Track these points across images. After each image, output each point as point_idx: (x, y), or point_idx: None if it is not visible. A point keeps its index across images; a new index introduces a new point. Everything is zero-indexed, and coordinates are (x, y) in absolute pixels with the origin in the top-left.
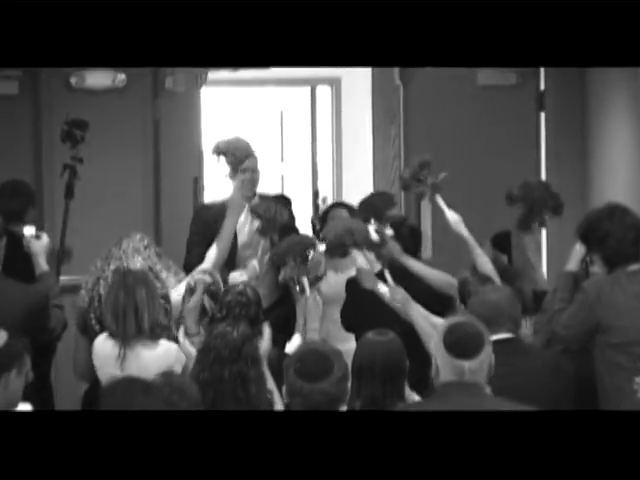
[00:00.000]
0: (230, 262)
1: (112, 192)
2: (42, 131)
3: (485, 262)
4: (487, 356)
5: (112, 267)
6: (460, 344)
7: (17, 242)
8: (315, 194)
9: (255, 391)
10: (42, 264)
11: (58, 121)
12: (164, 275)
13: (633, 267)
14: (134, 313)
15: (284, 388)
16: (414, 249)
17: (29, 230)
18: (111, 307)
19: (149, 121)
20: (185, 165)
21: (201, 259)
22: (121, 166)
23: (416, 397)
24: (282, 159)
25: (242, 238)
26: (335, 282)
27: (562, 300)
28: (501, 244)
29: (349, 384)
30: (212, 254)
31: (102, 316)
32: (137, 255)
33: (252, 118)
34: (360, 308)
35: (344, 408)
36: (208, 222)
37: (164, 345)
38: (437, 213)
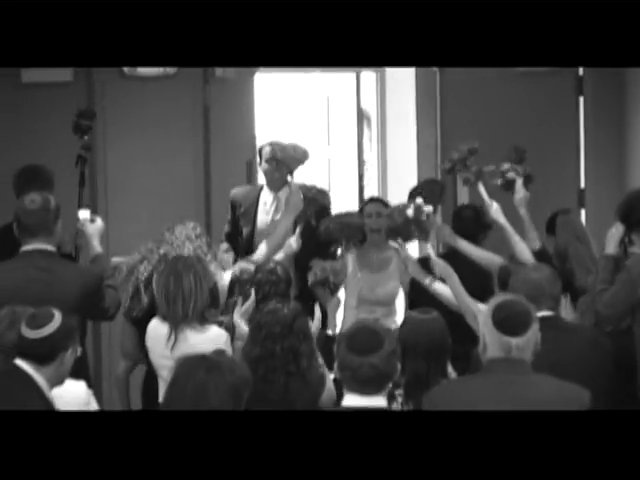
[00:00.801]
0: (248, 249)
1: (163, 178)
2: (96, 118)
3: (523, 249)
4: (534, 334)
5: (162, 251)
6: (508, 321)
7: None
8: (360, 177)
9: (306, 365)
10: (96, 246)
11: (111, 107)
12: (212, 266)
13: None
14: (182, 299)
15: (335, 363)
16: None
17: (84, 214)
18: (162, 292)
19: (199, 107)
20: (237, 149)
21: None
22: (172, 152)
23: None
24: (329, 143)
25: (261, 226)
26: (370, 281)
27: (603, 281)
28: (547, 226)
29: (398, 362)
30: (262, 248)
31: (139, 295)
32: (188, 243)
33: (300, 103)
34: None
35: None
36: (235, 207)
37: (214, 330)
38: (474, 200)
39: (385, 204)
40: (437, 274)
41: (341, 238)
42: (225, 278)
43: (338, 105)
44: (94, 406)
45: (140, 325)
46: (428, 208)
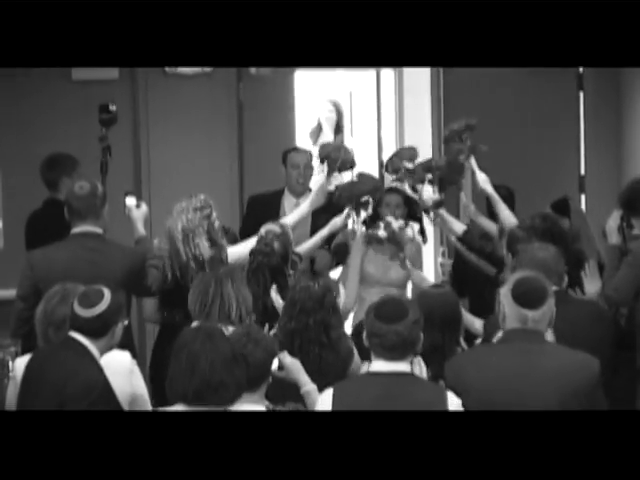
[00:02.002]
0: None
1: (199, 172)
2: (139, 113)
3: (508, 215)
4: (549, 308)
5: (167, 223)
6: (526, 296)
7: (57, 207)
8: (380, 165)
9: (336, 336)
10: (140, 229)
11: (154, 104)
12: (202, 239)
13: None
14: (219, 304)
15: (364, 331)
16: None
17: (130, 200)
18: (198, 295)
19: (234, 104)
20: (273, 146)
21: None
22: (209, 146)
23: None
24: (352, 134)
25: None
26: (376, 262)
27: (612, 268)
28: (561, 209)
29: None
30: (291, 216)
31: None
32: (182, 215)
33: (324, 98)
34: None
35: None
36: (257, 214)
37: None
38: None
39: (404, 194)
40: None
41: (350, 205)
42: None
43: (360, 100)
44: (137, 374)
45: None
46: (399, 223)
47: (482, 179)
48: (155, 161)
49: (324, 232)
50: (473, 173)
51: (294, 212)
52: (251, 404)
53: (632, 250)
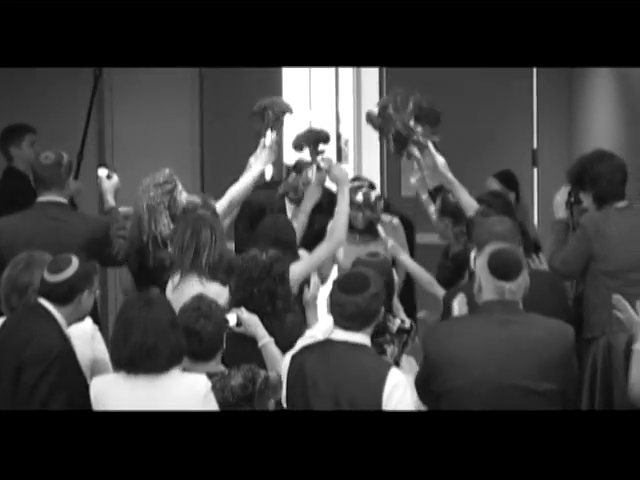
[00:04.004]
0: None
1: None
2: (104, 89)
3: (470, 202)
4: (524, 279)
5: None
6: (503, 268)
7: (13, 176)
8: (338, 137)
9: (282, 306)
10: (110, 200)
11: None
12: (164, 215)
13: (621, 204)
14: (195, 249)
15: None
16: None
17: (102, 171)
18: (178, 242)
19: (196, 74)
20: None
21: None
22: (172, 113)
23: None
24: (310, 107)
25: None
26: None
27: (559, 242)
28: (508, 181)
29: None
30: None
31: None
32: (145, 193)
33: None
34: None
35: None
36: (253, 216)
37: (215, 287)
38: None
39: (367, 181)
40: (388, 250)
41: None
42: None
43: (319, 75)
44: (99, 339)
45: (137, 262)
46: (375, 193)
47: (441, 163)
48: (118, 133)
49: (255, 169)
50: (432, 157)
51: (246, 175)
52: (196, 373)
53: (580, 224)
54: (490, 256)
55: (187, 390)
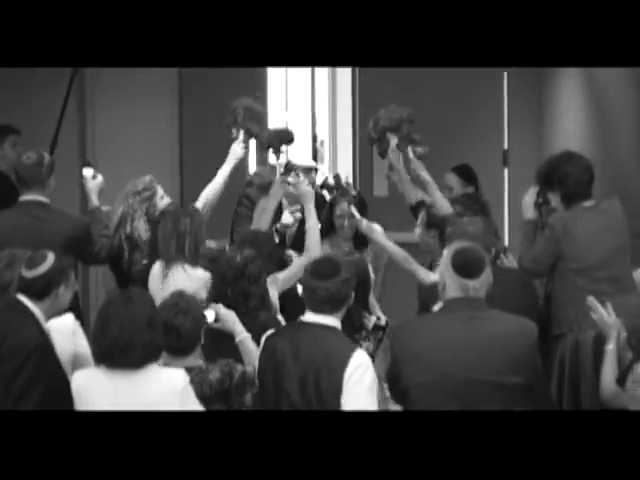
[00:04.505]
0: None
1: (145, 137)
2: (85, 87)
3: (444, 203)
4: (487, 276)
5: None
6: (466, 266)
7: None
8: (314, 138)
9: (256, 305)
10: (94, 200)
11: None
12: (141, 222)
13: (588, 203)
14: (177, 238)
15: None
16: None
17: (87, 171)
18: (161, 232)
19: (175, 72)
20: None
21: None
22: (153, 114)
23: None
24: (286, 109)
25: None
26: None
27: (527, 242)
28: (467, 175)
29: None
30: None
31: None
32: (124, 200)
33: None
34: None
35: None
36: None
37: (199, 272)
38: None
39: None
40: (363, 230)
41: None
42: None
43: (295, 76)
44: (80, 335)
45: (114, 264)
46: (346, 177)
47: (417, 165)
48: (100, 133)
49: (226, 169)
50: (408, 160)
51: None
52: (175, 367)
53: (549, 224)
54: (453, 254)
55: (165, 384)
